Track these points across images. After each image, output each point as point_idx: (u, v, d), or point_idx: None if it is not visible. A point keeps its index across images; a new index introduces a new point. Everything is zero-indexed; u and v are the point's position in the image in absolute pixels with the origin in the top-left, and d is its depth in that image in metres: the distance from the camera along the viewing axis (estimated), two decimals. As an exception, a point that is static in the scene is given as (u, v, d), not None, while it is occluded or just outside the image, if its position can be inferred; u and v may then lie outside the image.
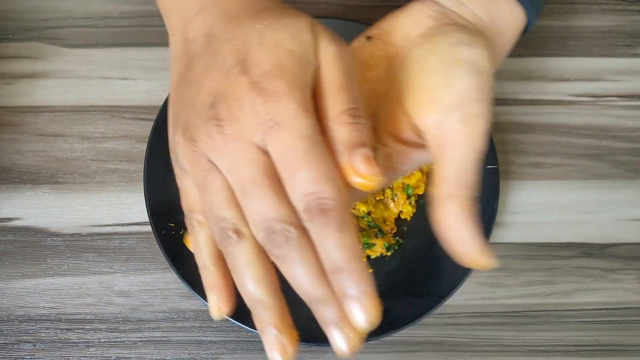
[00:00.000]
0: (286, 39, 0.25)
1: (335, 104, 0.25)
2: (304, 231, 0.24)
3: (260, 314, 0.25)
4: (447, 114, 0.28)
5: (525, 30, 0.35)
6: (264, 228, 0.24)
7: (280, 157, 0.24)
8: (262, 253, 0.25)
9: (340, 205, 0.23)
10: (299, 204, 0.24)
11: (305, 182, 0.23)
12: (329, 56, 0.26)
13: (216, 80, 0.25)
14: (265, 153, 0.24)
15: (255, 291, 0.25)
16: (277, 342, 0.25)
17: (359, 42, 0.34)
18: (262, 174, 0.24)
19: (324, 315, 0.24)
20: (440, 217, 0.27)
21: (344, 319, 0.24)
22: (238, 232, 0.24)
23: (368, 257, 0.46)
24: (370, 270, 0.44)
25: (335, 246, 0.23)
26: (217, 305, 0.27)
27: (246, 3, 0.28)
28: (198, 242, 0.27)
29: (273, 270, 0.25)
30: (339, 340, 0.24)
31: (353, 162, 0.25)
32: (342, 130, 0.25)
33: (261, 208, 0.24)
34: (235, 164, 0.24)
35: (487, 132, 0.29)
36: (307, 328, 0.41)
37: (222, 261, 0.27)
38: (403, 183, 0.46)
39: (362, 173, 0.24)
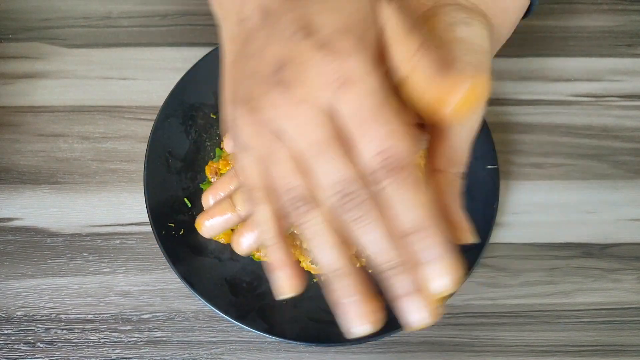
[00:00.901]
0: (346, 4, 0.25)
1: (409, 46, 0.24)
2: (374, 194, 0.23)
3: (340, 283, 0.24)
4: None
5: (528, 12, 0.34)
6: (337, 191, 0.23)
7: (352, 115, 0.23)
8: (334, 222, 0.24)
9: (415, 162, 0.23)
10: (372, 162, 0.23)
11: (379, 138, 0.23)
12: (389, 14, 0.25)
13: (279, 48, 0.24)
14: (332, 117, 0.23)
15: (335, 259, 0.24)
16: (362, 307, 0.23)
17: None
18: (332, 136, 0.23)
19: (398, 284, 0.23)
20: (430, 190, 0.27)
21: (420, 287, 0.23)
22: (309, 201, 0.24)
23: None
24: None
25: (413, 204, 0.22)
26: (291, 282, 0.26)
27: None
28: (262, 220, 0.26)
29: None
30: (414, 311, 0.23)
31: (447, 87, 0.23)
32: (422, 64, 0.24)
33: (332, 171, 0.23)
34: (303, 127, 0.23)
35: (483, 111, 0.28)
36: (307, 328, 0.42)
37: (285, 238, 0.26)
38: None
39: (462, 94, 0.23)
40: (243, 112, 0.25)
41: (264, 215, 0.26)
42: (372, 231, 0.23)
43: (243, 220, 0.32)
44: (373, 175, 0.23)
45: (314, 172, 0.24)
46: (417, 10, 0.30)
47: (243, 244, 0.30)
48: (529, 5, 0.33)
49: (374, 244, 0.23)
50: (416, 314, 0.23)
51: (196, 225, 0.32)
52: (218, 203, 0.32)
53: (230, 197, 0.32)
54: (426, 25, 0.29)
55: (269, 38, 0.25)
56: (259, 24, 0.26)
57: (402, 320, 0.23)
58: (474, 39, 0.28)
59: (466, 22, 0.29)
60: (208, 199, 0.33)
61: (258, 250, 0.44)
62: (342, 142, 0.23)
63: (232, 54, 0.28)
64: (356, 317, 0.23)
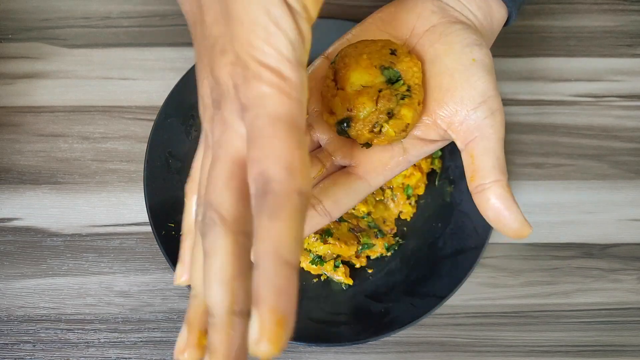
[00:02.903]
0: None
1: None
2: (238, 222, 0.22)
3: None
4: (474, 111, 0.31)
5: (505, 25, 0.37)
6: (202, 212, 0.23)
7: (249, 134, 0.22)
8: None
9: (287, 190, 0.20)
10: (251, 186, 0.21)
11: (259, 159, 0.21)
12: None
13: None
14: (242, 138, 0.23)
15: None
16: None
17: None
18: (228, 157, 0.23)
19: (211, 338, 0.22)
20: (490, 202, 0.30)
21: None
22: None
23: (368, 257, 0.46)
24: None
25: (270, 234, 0.20)
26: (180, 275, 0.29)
27: None
28: None
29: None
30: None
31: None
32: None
33: (212, 191, 0.22)
34: (216, 144, 0.23)
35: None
36: (307, 328, 0.42)
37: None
38: (403, 184, 0.46)
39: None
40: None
41: None
42: (215, 259, 0.22)
43: None
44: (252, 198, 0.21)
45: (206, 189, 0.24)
46: (425, 24, 0.33)
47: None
48: (507, 18, 0.36)
49: (211, 275, 0.22)
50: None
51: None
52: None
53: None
54: (442, 45, 0.32)
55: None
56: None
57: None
58: (486, 60, 0.32)
59: (478, 44, 0.32)
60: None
61: None
62: (239, 166, 0.22)
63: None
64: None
